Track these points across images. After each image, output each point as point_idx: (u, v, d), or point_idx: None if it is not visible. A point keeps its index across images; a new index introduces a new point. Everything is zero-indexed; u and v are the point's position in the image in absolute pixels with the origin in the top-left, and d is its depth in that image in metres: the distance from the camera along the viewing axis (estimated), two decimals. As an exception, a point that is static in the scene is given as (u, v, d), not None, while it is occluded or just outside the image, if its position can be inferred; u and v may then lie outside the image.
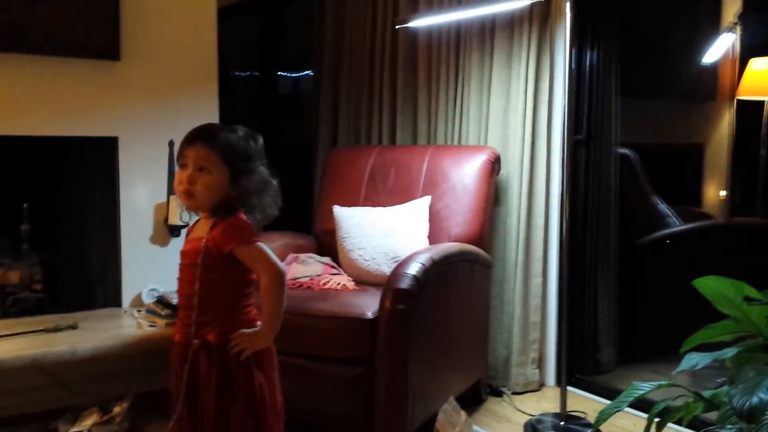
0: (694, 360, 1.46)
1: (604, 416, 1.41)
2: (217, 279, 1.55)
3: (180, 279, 1.62)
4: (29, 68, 2.60)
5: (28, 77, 2.61)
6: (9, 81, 2.57)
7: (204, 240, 1.54)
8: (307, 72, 4.10)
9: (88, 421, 2.25)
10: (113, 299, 2.85)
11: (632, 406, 1.56)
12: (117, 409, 2.30)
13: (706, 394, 1.43)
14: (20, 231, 2.82)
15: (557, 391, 2.52)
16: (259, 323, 1.59)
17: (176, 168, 1.58)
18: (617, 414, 1.47)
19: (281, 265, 1.57)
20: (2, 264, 2.85)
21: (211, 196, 1.54)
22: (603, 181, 2.87)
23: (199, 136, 1.56)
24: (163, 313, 2.61)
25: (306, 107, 3.95)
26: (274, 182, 1.60)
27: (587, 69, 2.80)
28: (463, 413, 2.14)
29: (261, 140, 1.61)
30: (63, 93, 2.68)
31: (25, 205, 2.81)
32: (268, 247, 1.57)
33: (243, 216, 1.56)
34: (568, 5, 2.30)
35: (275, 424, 1.61)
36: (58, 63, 2.65)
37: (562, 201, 2.46)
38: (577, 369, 2.82)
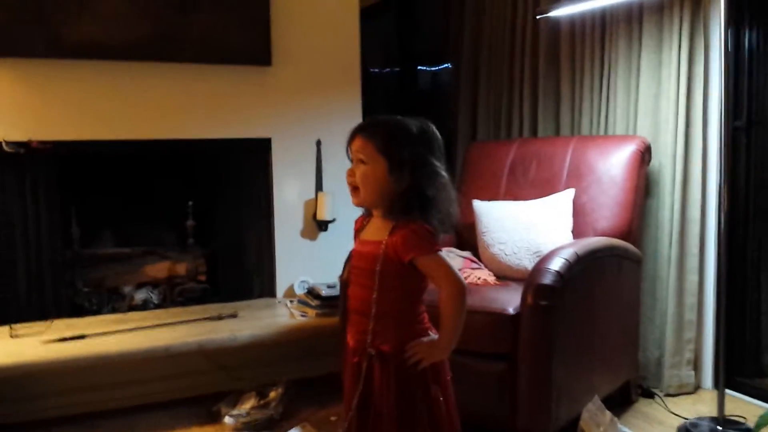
0: None
1: (764, 421, 1.32)
2: (396, 286, 1.49)
3: (354, 282, 1.56)
4: (189, 76, 2.82)
5: (188, 84, 2.83)
6: (172, 89, 2.81)
7: (383, 245, 1.48)
8: (447, 65, 4.11)
9: (247, 405, 2.40)
10: (268, 290, 3.04)
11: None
12: (272, 394, 2.45)
13: None
14: (186, 226, 3.07)
15: (714, 393, 2.38)
16: (432, 332, 1.54)
17: None
18: (780, 421, 1.37)
19: (462, 277, 1.49)
20: (171, 257, 3.12)
21: (371, 189, 1.49)
22: (766, 170, 2.66)
23: (358, 128, 1.53)
24: (313, 303, 2.75)
25: (445, 101, 3.96)
26: (444, 175, 1.48)
27: (746, 50, 2.60)
28: (608, 413, 2.07)
29: (433, 130, 1.52)
30: (221, 98, 2.89)
31: (190, 203, 3.06)
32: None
33: (422, 222, 1.47)
34: (722, -16, 2.16)
35: None
36: (216, 70, 2.85)
37: (720, 192, 2.31)
38: (736, 371, 2.64)
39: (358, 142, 1.50)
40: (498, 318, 2.10)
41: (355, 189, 1.52)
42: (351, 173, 1.51)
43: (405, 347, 1.50)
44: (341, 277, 2.39)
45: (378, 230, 1.52)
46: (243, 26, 2.83)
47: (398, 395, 1.48)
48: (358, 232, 1.62)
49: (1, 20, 2.48)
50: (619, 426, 2.11)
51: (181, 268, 3.11)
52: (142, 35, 2.67)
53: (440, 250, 1.48)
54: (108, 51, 2.64)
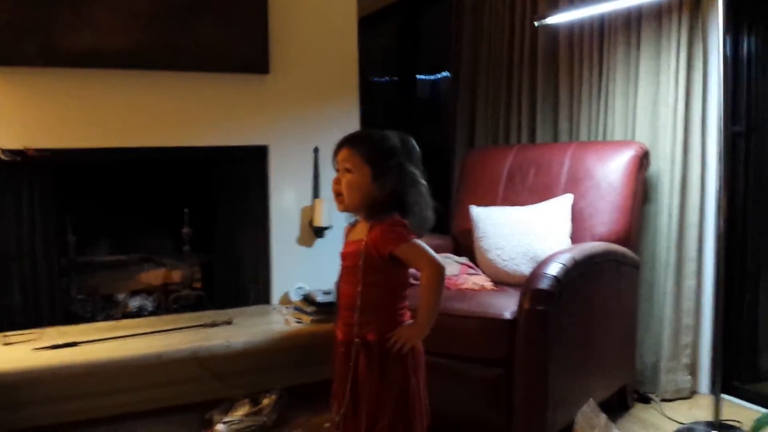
0: None
1: (760, 424, 1.30)
2: (378, 281, 1.60)
3: (342, 280, 1.67)
4: (187, 84, 2.82)
5: (185, 92, 2.83)
6: (170, 96, 2.80)
7: (363, 242, 1.59)
8: (445, 74, 4.12)
9: (240, 412, 2.38)
10: (264, 297, 3.02)
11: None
12: (266, 401, 2.43)
13: None
14: (182, 234, 3.06)
15: (711, 398, 2.36)
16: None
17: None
18: (777, 424, 1.34)
19: (440, 259, 1.59)
20: (166, 264, 3.11)
21: (354, 195, 1.60)
22: (765, 175, 2.64)
23: (344, 140, 1.64)
24: (308, 310, 2.73)
25: (444, 109, 3.96)
26: (423, 182, 1.62)
27: (744, 55, 2.59)
28: (602, 415, 2.05)
29: (412, 143, 1.64)
30: (218, 106, 2.88)
31: (186, 210, 3.04)
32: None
33: (398, 217, 1.59)
34: (719, -11, 2.16)
35: (420, 428, 1.63)
36: (213, 78, 2.85)
37: (718, 197, 2.29)
38: (733, 376, 2.61)
39: (344, 153, 1.62)
40: (494, 323, 2.08)
41: (339, 196, 1.64)
42: (337, 181, 1.64)
43: (386, 336, 1.59)
44: (337, 283, 2.38)
45: (360, 231, 1.64)
46: (241, 35, 2.83)
47: (379, 380, 1.58)
48: (346, 237, 1.73)
49: (-3, 28, 2.49)
50: (615, 429, 2.09)
51: (177, 276, 3.09)
52: (140, 44, 2.67)
53: (415, 238, 1.58)
54: (105, 59, 2.63)
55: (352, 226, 1.71)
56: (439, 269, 1.58)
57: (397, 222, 1.58)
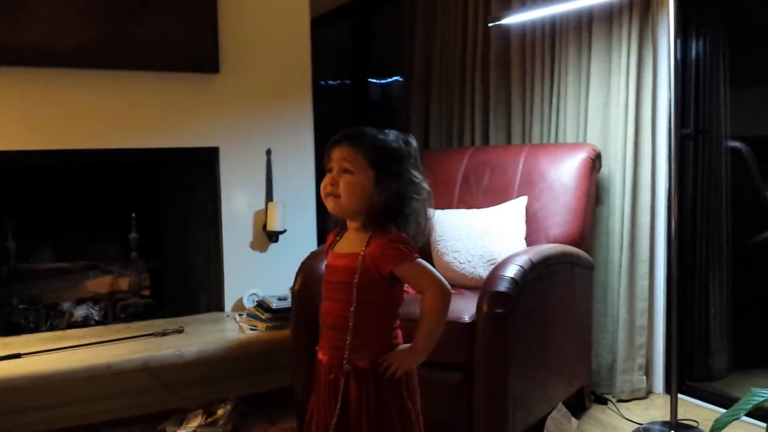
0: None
1: (719, 425, 1.31)
2: (374, 299, 1.47)
3: (328, 297, 1.54)
4: (135, 84, 2.73)
5: (133, 92, 2.73)
6: (117, 97, 2.71)
7: (360, 257, 1.46)
8: (397, 78, 4.12)
9: (194, 423, 2.31)
10: (216, 304, 2.94)
11: (750, 414, 1.46)
12: (220, 412, 2.36)
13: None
14: (129, 240, 2.96)
15: (666, 398, 2.41)
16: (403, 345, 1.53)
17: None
18: (734, 423, 1.37)
19: (446, 281, 1.48)
20: (112, 271, 3.01)
21: (354, 199, 1.46)
22: (713, 177, 2.71)
23: (344, 136, 1.50)
24: (263, 316, 2.67)
25: (397, 112, 3.95)
26: (427, 187, 1.51)
27: (693, 59, 2.65)
28: (573, 420, 2.05)
29: (414, 143, 1.53)
30: (167, 106, 2.80)
31: (133, 215, 2.95)
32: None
33: (396, 231, 1.47)
34: (670, -7, 2.20)
35: None
36: (161, 78, 2.76)
37: (669, 199, 2.34)
38: (687, 375, 2.68)
39: (344, 151, 1.47)
40: (454, 327, 2.06)
41: (332, 197, 1.48)
42: (333, 182, 1.48)
43: (378, 361, 1.48)
44: (293, 288, 2.34)
45: (353, 243, 1.50)
46: (190, 33, 2.75)
47: (377, 411, 1.47)
48: (330, 246, 1.59)
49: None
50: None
51: (124, 283, 2.99)
52: (84, 42, 2.56)
53: (418, 257, 1.46)
54: (47, 58, 2.52)
55: (339, 234, 1.57)
56: (445, 293, 1.47)
57: (398, 238, 1.46)
